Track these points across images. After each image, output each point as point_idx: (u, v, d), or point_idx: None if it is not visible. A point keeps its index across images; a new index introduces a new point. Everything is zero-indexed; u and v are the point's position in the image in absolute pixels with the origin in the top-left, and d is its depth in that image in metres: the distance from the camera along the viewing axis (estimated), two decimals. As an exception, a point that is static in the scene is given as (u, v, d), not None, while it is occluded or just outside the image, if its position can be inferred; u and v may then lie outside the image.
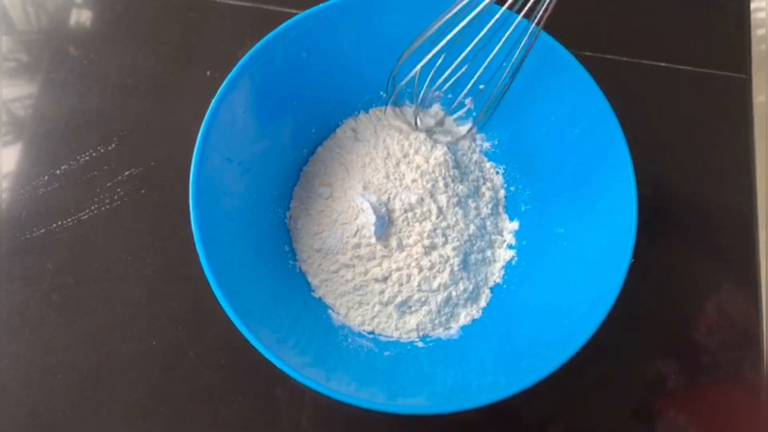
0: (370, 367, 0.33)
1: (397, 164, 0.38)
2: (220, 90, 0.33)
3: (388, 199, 0.37)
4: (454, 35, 0.31)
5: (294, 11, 0.35)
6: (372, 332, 0.36)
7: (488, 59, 0.32)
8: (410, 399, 0.31)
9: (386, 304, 0.36)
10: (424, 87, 0.35)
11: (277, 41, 0.34)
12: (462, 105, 0.40)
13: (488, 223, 0.39)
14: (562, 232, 0.37)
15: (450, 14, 0.31)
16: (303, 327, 0.34)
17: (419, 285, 0.36)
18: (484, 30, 0.31)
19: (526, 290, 0.37)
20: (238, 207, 0.34)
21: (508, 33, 0.31)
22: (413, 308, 0.36)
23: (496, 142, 0.40)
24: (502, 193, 0.40)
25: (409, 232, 0.36)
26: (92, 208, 0.40)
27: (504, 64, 0.34)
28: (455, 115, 0.40)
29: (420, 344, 0.36)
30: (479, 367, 0.33)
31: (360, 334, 0.36)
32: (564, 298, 0.34)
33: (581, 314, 0.32)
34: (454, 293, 0.37)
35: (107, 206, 0.40)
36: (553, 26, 0.35)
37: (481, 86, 0.39)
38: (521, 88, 0.38)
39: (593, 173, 0.36)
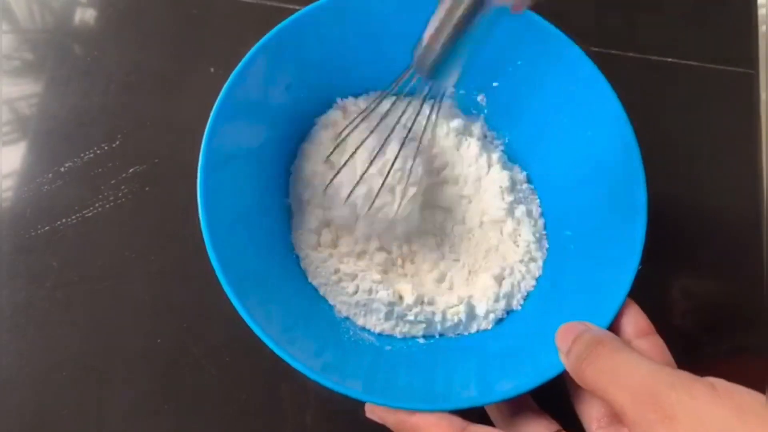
0: (373, 362, 0.33)
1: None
2: (225, 85, 0.33)
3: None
4: None
5: (297, 7, 0.35)
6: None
7: None
8: (414, 395, 0.31)
9: (391, 318, 0.35)
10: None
11: (284, 34, 0.34)
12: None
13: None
14: (570, 235, 0.36)
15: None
16: (308, 321, 0.33)
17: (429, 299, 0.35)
18: None
19: (532, 291, 0.36)
20: (245, 201, 0.34)
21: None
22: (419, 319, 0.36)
23: (506, 140, 0.40)
24: None
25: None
26: (96, 205, 0.40)
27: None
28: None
29: (421, 340, 0.35)
30: (482, 365, 0.33)
31: (363, 329, 0.35)
32: (571, 302, 0.34)
33: (588, 319, 0.31)
34: None
35: (111, 204, 0.40)
36: (559, 22, 0.35)
37: (495, 84, 0.38)
38: (532, 88, 0.37)
39: (603, 176, 0.35)
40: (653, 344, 0.29)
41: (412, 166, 0.34)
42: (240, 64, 0.33)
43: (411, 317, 0.34)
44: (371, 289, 0.34)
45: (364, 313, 0.35)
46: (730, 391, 0.22)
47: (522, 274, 0.36)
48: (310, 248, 0.36)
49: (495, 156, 0.38)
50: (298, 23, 0.34)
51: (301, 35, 0.35)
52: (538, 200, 0.38)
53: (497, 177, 0.37)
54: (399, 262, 0.37)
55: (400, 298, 0.34)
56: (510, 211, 0.37)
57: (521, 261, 0.36)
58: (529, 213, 0.37)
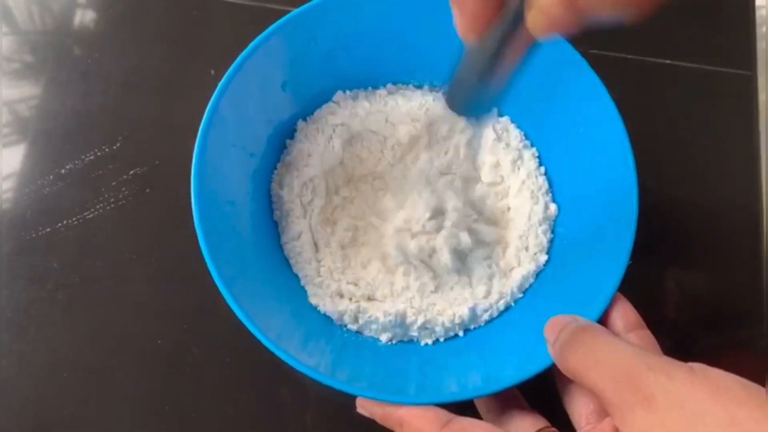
0: (363, 357, 0.33)
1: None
2: (221, 82, 0.33)
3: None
4: None
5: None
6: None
7: None
8: (402, 389, 0.31)
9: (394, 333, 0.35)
10: None
11: (282, 30, 0.34)
12: None
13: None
14: (563, 232, 0.37)
15: None
16: (301, 319, 0.34)
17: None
18: None
19: (527, 290, 0.37)
20: (240, 200, 0.35)
21: None
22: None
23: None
24: None
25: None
26: (97, 207, 0.40)
27: None
28: None
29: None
30: (472, 361, 0.33)
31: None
32: (562, 298, 0.34)
33: (578, 314, 0.31)
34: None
35: (112, 205, 0.40)
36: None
37: None
38: (522, 85, 0.37)
39: (595, 173, 0.35)
40: (642, 338, 0.30)
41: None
42: (234, 63, 0.33)
43: (414, 333, 0.34)
44: (371, 315, 0.34)
45: (364, 330, 0.35)
46: (707, 374, 0.22)
47: (524, 275, 0.36)
48: (299, 257, 0.36)
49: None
50: (293, 21, 0.35)
51: (295, 32, 0.35)
52: (549, 197, 0.38)
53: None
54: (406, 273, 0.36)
55: (405, 318, 0.34)
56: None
57: (527, 261, 0.36)
58: (544, 211, 0.37)
